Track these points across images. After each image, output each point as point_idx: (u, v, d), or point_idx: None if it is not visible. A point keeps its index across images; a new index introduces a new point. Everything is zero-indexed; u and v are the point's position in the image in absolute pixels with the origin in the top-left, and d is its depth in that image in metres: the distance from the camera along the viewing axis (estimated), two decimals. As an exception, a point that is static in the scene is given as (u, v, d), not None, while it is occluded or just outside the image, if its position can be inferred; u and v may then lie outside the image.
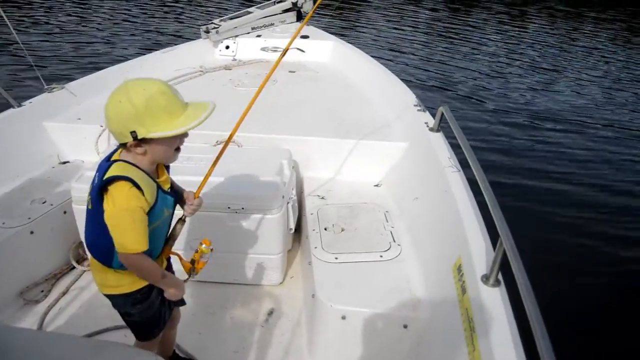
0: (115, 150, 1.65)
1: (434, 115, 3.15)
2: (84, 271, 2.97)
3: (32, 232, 2.74)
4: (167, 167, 1.78)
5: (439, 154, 2.78)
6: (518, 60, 11.67)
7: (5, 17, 3.61)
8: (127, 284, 1.74)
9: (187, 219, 1.87)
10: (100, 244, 1.66)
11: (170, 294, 1.77)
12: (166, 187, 1.71)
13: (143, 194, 1.53)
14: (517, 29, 15.94)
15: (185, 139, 1.64)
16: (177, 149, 1.64)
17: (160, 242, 1.78)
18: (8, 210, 2.82)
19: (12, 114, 3.33)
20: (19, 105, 3.40)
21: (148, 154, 1.57)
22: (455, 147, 2.73)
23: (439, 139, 2.97)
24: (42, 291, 2.83)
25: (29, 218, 2.77)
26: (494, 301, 1.71)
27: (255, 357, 2.49)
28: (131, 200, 1.51)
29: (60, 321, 2.68)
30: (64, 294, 2.82)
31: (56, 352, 1.61)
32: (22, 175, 3.17)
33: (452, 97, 8.54)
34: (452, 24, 15.36)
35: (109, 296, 1.80)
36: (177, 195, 1.81)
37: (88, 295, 2.83)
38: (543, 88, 9.66)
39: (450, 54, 11.63)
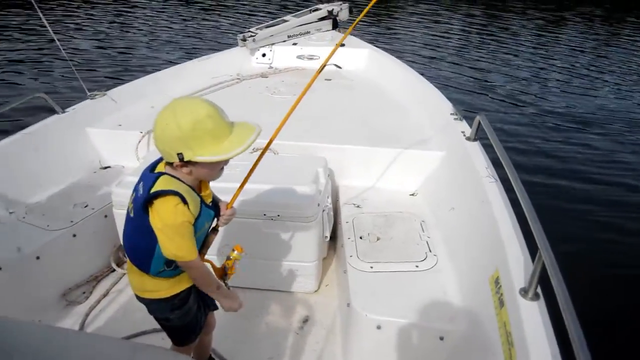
0: (160, 160, 1.68)
1: (471, 124, 3.12)
2: (124, 274, 3.04)
3: (74, 235, 2.83)
4: None
5: (476, 163, 2.74)
6: (556, 65, 11.43)
7: (47, 25, 3.73)
8: (165, 288, 1.77)
9: (221, 228, 1.89)
10: (138, 251, 1.71)
11: (226, 307, 1.82)
12: (208, 201, 1.73)
13: (188, 208, 1.56)
14: (554, 33, 15.64)
15: None
16: (222, 168, 1.67)
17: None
18: (52, 213, 2.91)
19: (57, 120, 3.44)
20: (63, 112, 3.51)
21: (193, 174, 1.59)
22: (492, 156, 2.70)
23: (475, 148, 2.94)
24: (84, 293, 2.91)
25: (72, 221, 2.86)
26: (533, 315, 1.67)
27: None
28: (178, 216, 1.54)
29: (100, 322, 2.75)
30: (104, 295, 2.89)
31: (96, 353, 1.65)
32: (66, 180, 3.26)
33: (490, 103, 8.43)
34: (488, 30, 15.19)
35: (146, 301, 1.84)
36: (216, 208, 1.84)
37: (127, 297, 2.89)
38: (583, 93, 9.44)
39: (487, 59, 11.49)
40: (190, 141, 1.49)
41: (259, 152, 1.94)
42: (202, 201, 1.66)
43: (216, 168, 1.63)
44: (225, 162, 1.64)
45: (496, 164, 2.61)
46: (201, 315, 1.96)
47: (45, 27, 3.72)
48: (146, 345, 1.99)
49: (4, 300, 2.59)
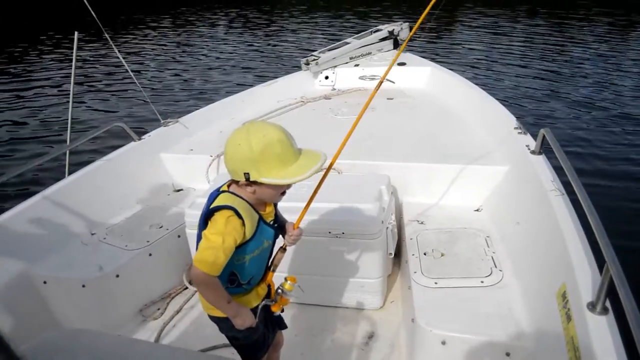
0: (226, 184, 1.76)
1: (535, 137, 3.07)
2: (195, 291, 3.17)
3: (150, 254, 2.99)
4: None
5: (541, 177, 2.69)
6: (627, 71, 10.89)
7: (122, 60, 4.00)
8: None
9: (289, 247, 1.93)
10: None
11: (236, 323, 1.79)
12: (269, 219, 1.79)
13: (243, 224, 1.62)
14: (623, 38, 14.86)
15: None
16: (283, 192, 1.73)
17: (260, 269, 1.86)
18: (130, 234, 3.10)
19: (134, 147, 3.68)
20: (139, 139, 3.74)
21: (256, 193, 1.66)
22: (558, 169, 2.64)
23: (541, 162, 2.88)
24: (159, 309, 3.07)
25: (148, 241, 3.02)
26: (601, 330, 1.62)
27: None
28: (229, 226, 1.60)
29: (173, 337, 2.88)
30: (177, 312, 3.03)
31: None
32: (142, 202, 3.47)
33: (557, 113, 8.16)
34: (552, 39, 14.66)
35: (215, 319, 1.90)
36: (280, 227, 1.89)
37: (199, 314, 3.02)
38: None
39: (551, 69, 11.12)
40: (259, 163, 1.57)
41: (323, 172, 1.98)
42: (261, 218, 1.73)
43: (279, 191, 1.69)
44: (288, 186, 1.69)
45: (562, 177, 2.56)
46: (269, 333, 2.02)
47: (120, 60, 4.00)
48: (220, 357, 2.08)
49: (87, 314, 2.78)
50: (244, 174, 1.59)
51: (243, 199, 1.67)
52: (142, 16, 22.98)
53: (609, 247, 1.69)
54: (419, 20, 2.50)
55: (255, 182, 1.61)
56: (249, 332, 1.89)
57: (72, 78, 3.73)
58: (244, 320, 1.78)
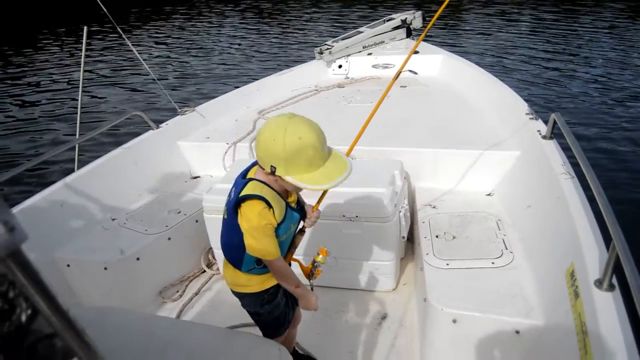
0: (251, 167, 1.83)
1: (547, 122, 3.10)
2: (213, 275, 3.27)
3: (169, 239, 3.08)
4: None
5: (552, 161, 2.73)
6: (636, 58, 10.71)
7: (135, 51, 4.08)
8: (256, 284, 1.93)
9: (307, 229, 2.01)
10: (232, 249, 1.87)
11: (303, 304, 1.95)
12: (293, 204, 1.86)
13: (273, 213, 1.70)
14: (633, 24, 14.62)
15: None
16: None
17: (284, 251, 1.93)
18: (149, 219, 3.19)
19: (152, 135, 3.76)
20: (157, 127, 3.83)
21: (279, 182, 1.71)
22: (569, 153, 2.67)
23: (551, 146, 2.91)
24: (178, 291, 3.16)
25: (167, 226, 3.11)
26: (608, 305, 1.67)
27: (368, 357, 2.61)
28: (262, 219, 1.68)
29: (192, 318, 2.98)
30: (196, 294, 3.12)
31: (195, 338, 1.84)
32: (160, 189, 3.57)
33: (567, 100, 8.11)
34: (562, 25, 14.44)
35: (239, 295, 2.00)
36: (302, 210, 1.95)
37: (217, 296, 3.12)
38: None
39: (563, 55, 11.03)
40: (288, 162, 1.61)
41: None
42: (288, 205, 1.80)
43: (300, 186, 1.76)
44: None
45: (573, 160, 2.59)
46: (289, 310, 2.10)
47: (133, 52, 4.08)
48: (239, 332, 2.17)
49: (109, 296, 2.88)
50: (271, 166, 1.64)
51: (270, 186, 1.72)
52: (155, 8, 23.11)
53: (616, 226, 1.73)
54: (437, 14, 2.55)
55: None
56: (271, 308, 1.99)
57: (81, 73, 3.80)
58: (309, 302, 1.95)
